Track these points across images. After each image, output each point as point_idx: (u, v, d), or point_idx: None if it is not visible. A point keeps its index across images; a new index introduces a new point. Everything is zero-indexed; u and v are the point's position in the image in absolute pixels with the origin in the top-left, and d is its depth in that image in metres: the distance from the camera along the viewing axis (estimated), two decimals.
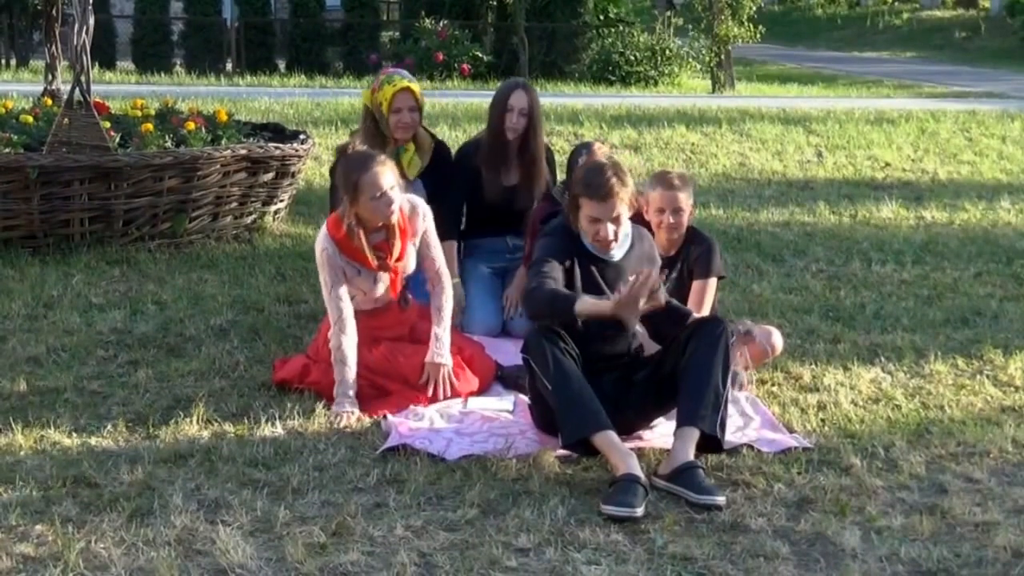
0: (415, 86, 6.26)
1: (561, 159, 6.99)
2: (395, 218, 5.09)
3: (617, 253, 4.62)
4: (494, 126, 6.21)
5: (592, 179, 4.52)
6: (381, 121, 6.14)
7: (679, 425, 4.30)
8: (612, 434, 4.25)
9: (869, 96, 19.36)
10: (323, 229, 5.14)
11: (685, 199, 5.40)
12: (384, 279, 5.17)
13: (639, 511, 3.96)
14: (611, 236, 4.52)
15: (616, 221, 4.53)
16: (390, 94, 6.16)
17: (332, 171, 6.47)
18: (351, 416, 4.83)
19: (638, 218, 5.17)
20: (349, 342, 4.99)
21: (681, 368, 4.37)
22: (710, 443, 4.33)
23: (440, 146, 6.58)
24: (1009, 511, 4.12)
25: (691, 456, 4.20)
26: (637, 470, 4.12)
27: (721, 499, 4.07)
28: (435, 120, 12.40)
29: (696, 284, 5.45)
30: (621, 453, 4.20)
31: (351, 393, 4.93)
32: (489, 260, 6.30)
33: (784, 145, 12.32)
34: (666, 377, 4.48)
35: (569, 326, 4.43)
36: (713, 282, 5.47)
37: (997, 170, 11.61)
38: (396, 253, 5.16)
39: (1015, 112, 14.90)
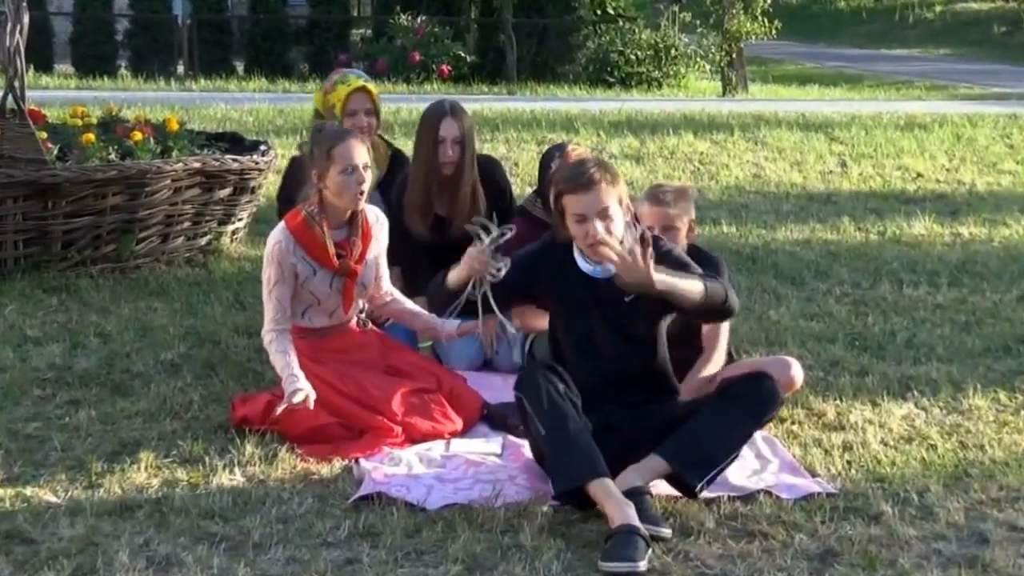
0: (372, 87, 6.30)
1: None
2: (363, 204, 5.17)
3: (594, 269, 4.63)
4: (426, 160, 6.13)
5: (572, 171, 4.60)
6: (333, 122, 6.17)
7: (653, 451, 4.34)
8: (608, 482, 4.26)
9: (898, 99, 19.46)
10: (279, 223, 5.26)
11: (678, 215, 5.45)
12: (339, 286, 5.23)
13: (642, 565, 3.97)
14: (601, 233, 4.47)
15: (604, 216, 4.51)
16: (344, 94, 6.20)
17: (286, 177, 6.51)
18: (307, 394, 4.88)
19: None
20: (286, 338, 5.10)
21: (708, 402, 4.39)
22: (686, 487, 4.38)
23: (397, 156, 6.63)
24: None
25: (639, 482, 4.25)
26: (636, 520, 4.12)
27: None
28: (412, 128, 12.37)
29: None
30: (618, 502, 4.20)
31: (299, 373, 4.98)
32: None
33: (804, 154, 12.36)
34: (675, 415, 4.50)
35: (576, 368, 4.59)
36: None
37: None
38: (357, 254, 5.20)
39: None
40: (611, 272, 4.50)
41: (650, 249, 4.28)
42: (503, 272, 4.69)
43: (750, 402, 4.46)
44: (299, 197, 5.35)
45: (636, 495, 4.21)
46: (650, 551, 4.06)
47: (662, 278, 4.33)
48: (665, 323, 4.73)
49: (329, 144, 5.11)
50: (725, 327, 5.50)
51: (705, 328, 5.45)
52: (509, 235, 4.72)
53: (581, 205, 4.52)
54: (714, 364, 5.46)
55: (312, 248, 5.17)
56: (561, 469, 4.34)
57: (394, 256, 5.64)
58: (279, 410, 4.91)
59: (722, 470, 4.39)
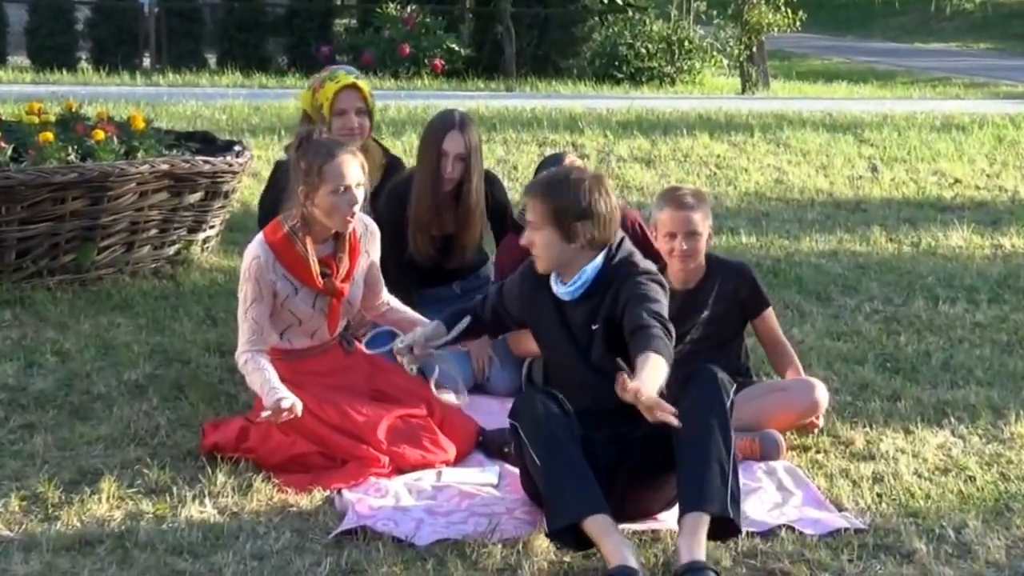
0: (363, 84, 6.31)
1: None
2: (351, 227, 5.19)
3: (562, 290, 4.71)
4: (429, 175, 6.21)
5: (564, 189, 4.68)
6: (323, 128, 6.17)
7: (682, 512, 4.29)
8: (606, 519, 4.26)
9: (934, 97, 19.51)
10: (257, 236, 5.24)
11: (701, 220, 5.48)
12: (322, 306, 5.25)
13: None
14: (524, 242, 4.72)
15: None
16: (332, 92, 6.20)
17: (270, 182, 6.51)
18: (293, 402, 4.90)
19: (645, 248, 5.23)
20: (264, 356, 5.11)
21: (674, 437, 4.37)
22: (725, 526, 4.32)
23: (393, 162, 6.64)
24: None
25: (699, 553, 4.16)
26: (632, 561, 4.13)
27: None
28: (401, 127, 12.47)
29: (760, 324, 5.75)
30: (614, 541, 4.21)
31: (281, 386, 4.99)
32: (439, 309, 6.34)
33: (830, 157, 12.39)
34: (664, 438, 4.47)
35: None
36: (772, 311, 5.80)
37: None
38: (344, 272, 5.22)
39: None
40: (576, 295, 4.66)
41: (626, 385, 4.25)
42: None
43: (707, 403, 4.42)
44: (282, 207, 5.35)
45: (697, 571, 4.10)
46: None
47: (650, 394, 4.21)
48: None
49: (320, 162, 5.08)
50: (779, 330, 5.82)
51: (760, 331, 5.76)
52: (465, 323, 4.85)
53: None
54: (797, 363, 5.77)
55: (294, 266, 5.17)
56: (556, 504, 4.34)
57: (382, 270, 5.66)
58: (261, 417, 4.92)
59: (735, 476, 4.36)
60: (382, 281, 5.54)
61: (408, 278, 6.20)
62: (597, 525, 4.25)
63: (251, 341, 5.14)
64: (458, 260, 6.40)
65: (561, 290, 4.71)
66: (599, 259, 4.66)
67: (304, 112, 6.38)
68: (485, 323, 5.11)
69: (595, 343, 4.68)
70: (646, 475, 4.58)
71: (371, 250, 5.43)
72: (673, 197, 5.55)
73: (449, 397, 4.99)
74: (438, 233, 6.30)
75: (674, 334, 4.49)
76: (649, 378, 4.21)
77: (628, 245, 4.77)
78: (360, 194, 5.14)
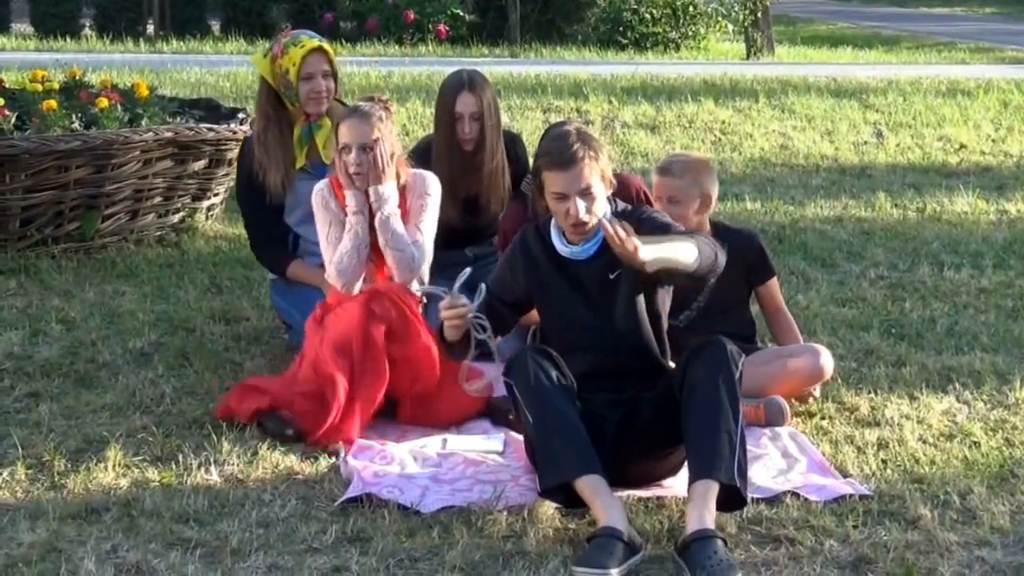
0: (328, 47, 6.28)
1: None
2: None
3: (574, 250, 4.67)
4: (446, 137, 6.29)
5: (554, 144, 4.63)
6: (287, 93, 6.14)
7: (692, 480, 4.29)
8: (598, 479, 4.28)
9: (940, 62, 19.44)
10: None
11: (683, 188, 5.50)
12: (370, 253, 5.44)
13: (613, 573, 4.00)
14: (582, 213, 4.54)
15: (586, 195, 4.55)
16: (299, 57, 6.16)
17: (237, 175, 6.49)
18: None
19: None
20: None
21: (683, 407, 4.39)
22: (732, 497, 4.31)
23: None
24: None
25: (709, 521, 4.16)
26: (619, 523, 4.16)
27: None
28: (406, 94, 12.44)
29: (763, 292, 5.79)
30: (604, 501, 4.24)
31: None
32: (449, 274, 6.33)
33: (835, 123, 12.36)
34: (673, 405, 4.48)
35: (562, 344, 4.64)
36: (776, 280, 5.82)
37: None
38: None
39: None
40: (591, 252, 4.62)
41: (625, 227, 4.27)
42: (486, 323, 4.66)
43: (714, 372, 4.40)
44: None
45: (704, 539, 4.08)
46: (636, 557, 4.10)
47: (654, 256, 4.29)
48: (658, 296, 4.73)
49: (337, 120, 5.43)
50: (780, 298, 5.84)
51: (762, 297, 5.78)
52: (467, 273, 4.70)
53: (562, 183, 4.55)
54: (796, 331, 5.81)
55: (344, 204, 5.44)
56: (548, 462, 4.37)
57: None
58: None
59: (742, 448, 4.35)
60: (418, 238, 5.53)
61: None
62: (588, 485, 4.28)
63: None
64: (487, 219, 6.45)
65: (573, 250, 4.67)
66: (608, 212, 4.66)
67: (262, 79, 6.28)
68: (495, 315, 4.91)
69: (619, 294, 4.66)
70: (653, 440, 4.58)
71: (417, 203, 5.53)
72: (662, 164, 5.70)
73: (477, 386, 4.90)
74: (464, 195, 6.31)
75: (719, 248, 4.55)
76: (655, 244, 4.31)
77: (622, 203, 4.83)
78: (363, 156, 5.32)
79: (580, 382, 4.57)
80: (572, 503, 4.38)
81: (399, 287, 5.36)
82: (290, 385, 5.24)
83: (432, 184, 5.60)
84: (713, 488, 4.22)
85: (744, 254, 5.65)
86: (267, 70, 6.18)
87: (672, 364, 4.74)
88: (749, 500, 4.39)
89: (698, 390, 4.34)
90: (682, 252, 4.38)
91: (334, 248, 5.41)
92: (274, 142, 6.07)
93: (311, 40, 6.19)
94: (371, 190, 5.36)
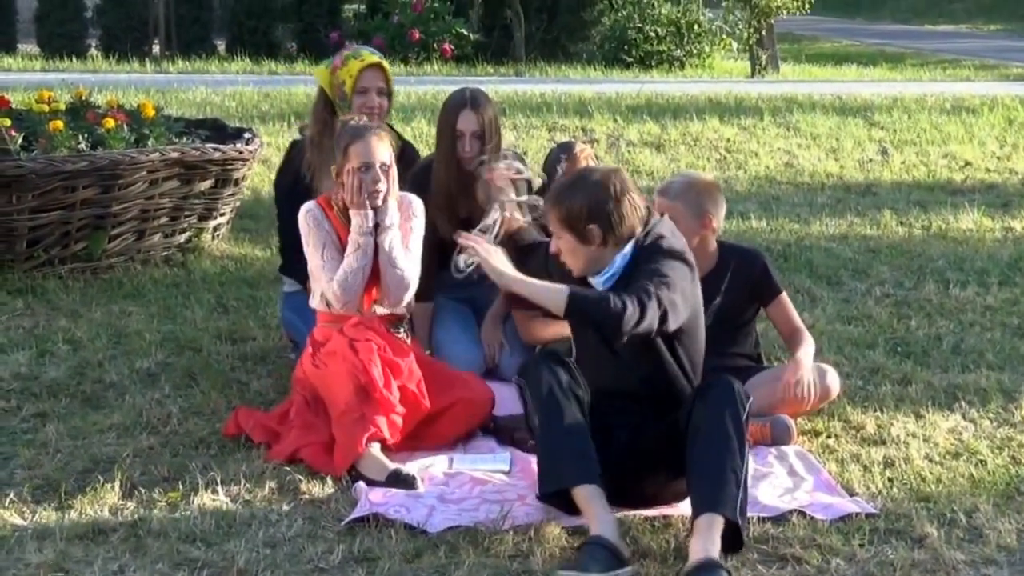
0: (386, 64, 6.33)
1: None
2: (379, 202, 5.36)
3: (596, 280, 4.66)
4: (447, 155, 6.27)
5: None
6: (341, 104, 6.20)
7: (696, 514, 4.27)
8: (596, 489, 4.31)
9: (944, 79, 19.44)
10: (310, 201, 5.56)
11: (672, 208, 5.46)
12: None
13: None
14: (552, 250, 4.69)
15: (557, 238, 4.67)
16: (356, 70, 6.22)
17: (284, 164, 6.52)
18: None
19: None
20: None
21: (688, 444, 4.39)
22: (731, 539, 4.27)
23: (408, 149, 6.65)
24: None
25: (714, 552, 4.14)
26: (610, 533, 4.19)
27: None
28: (410, 113, 12.46)
29: (773, 311, 5.70)
30: (598, 512, 4.26)
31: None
32: (450, 291, 6.34)
33: (840, 141, 12.37)
34: (680, 440, 4.47)
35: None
36: (786, 296, 5.73)
37: None
38: None
39: None
40: (611, 284, 4.60)
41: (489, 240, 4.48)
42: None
43: (721, 411, 4.39)
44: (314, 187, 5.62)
45: (709, 568, 4.08)
46: (624, 570, 4.11)
47: (514, 278, 4.50)
48: (680, 336, 4.67)
49: (346, 141, 5.34)
50: (791, 307, 5.72)
51: (774, 316, 5.69)
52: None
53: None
54: (812, 347, 5.63)
55: (337, 228, 5.43)
56: (549, 468, 4.40)
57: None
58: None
59: (745, 488, 4.36)
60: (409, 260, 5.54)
61: (431, 264, 6.24)
62: (585, 494, 4.31)
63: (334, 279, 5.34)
64: None
65: (595, 280, 4.68)
66: (628, 248, 4.62)
67: (320, 89, 6.38)
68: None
69: None
70: (658, 466, 4.57)
71: (405, 225, 5.51)
72: (661, 184, 5.77)
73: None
74: (463, 213, 6.30)
75: (656, 296, 4.41)
76: (541, 285, 4.48)
77: (659, 227, 4.67)
78: (382, 173, 5.33)
79: (595, 396, 4.58)
80: (572, 510, 4.40)
81: (380, 320, 5.38)
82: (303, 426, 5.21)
83: (418, 206, 5.61)
84: (718, 522, 4.21)
85: (747, 273, 5.65)
86: (326, 80, 6.31)
87: None
88: (747, 536, 4.34)
89: (704, 429, 4.35)
90: (546, 294, 4.46)
91: (332, 268, 5.37)
92: (329, 148, 6.09)
93: (371, 56, 6.29)
94: (383, 211, 5.36)
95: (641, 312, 4.36)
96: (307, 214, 5.44)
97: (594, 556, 4.11)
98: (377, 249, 5.35)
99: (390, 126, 6.52)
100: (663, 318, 4.41)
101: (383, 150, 5.36)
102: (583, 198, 4.58)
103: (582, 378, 4.56)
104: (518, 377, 4.62)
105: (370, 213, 5.34)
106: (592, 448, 4.39)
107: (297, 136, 6.71)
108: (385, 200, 5.36)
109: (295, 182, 6.21)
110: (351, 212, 5.36)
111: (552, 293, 4.45)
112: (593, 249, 4.61)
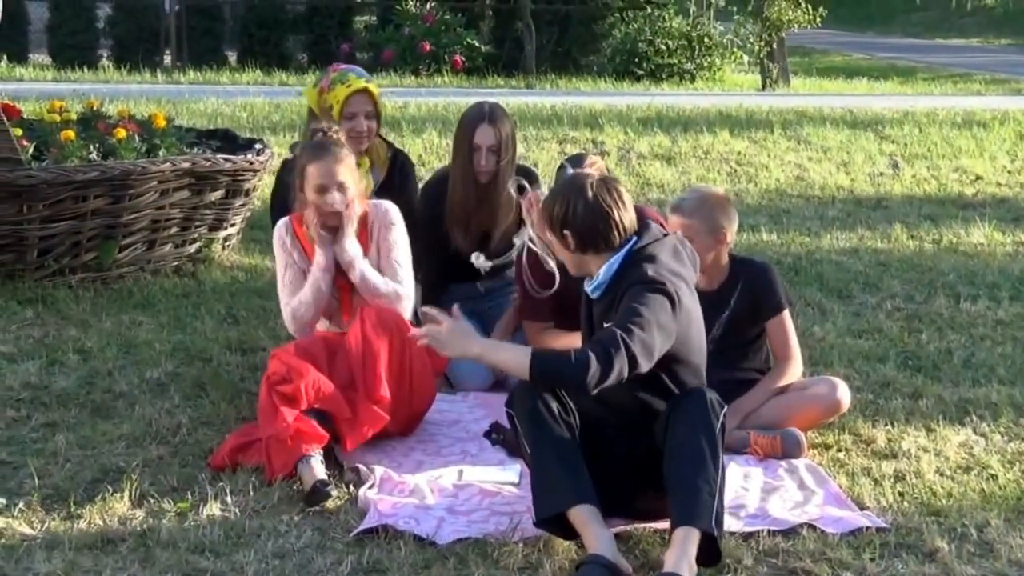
0: (373, 88, 6.35)
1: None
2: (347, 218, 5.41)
3: (588, 287, 4.69)
4: (463, 168, 6.32)
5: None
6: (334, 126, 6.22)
7: (672, 527, 4.27)
8: (591, 509, 4.31)
9: (955, 93, 19.45)
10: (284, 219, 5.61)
11: (695, 225, 5.47)
12: (335, 292, 5.48)
13: None
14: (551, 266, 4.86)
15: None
16: (343, 96, 6.26)
17: (277, 183, 6.55)
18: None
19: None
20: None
21: (664, 458, 4.38)
22: (707, 552, 4.25)
23: (398, 157, 6.68)
24: None
25: (684, 568, 4.13)
26: (607, 552, 4.19)
27: None
28: (422, 125, 12.47)
29: (770, 327, 5.63)
30: (595, 531, 4.26)
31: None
32: (460, 304, 6.33)
33: (851, 154, 12.36)
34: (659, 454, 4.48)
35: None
36: (787, 316, 5.65)
37: None
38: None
39: None
40: (599, 293, 4.61)
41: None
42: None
43: (695, 424, 4.38)
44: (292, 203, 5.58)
45: None
46: None
47: (478, 351, 4.52)
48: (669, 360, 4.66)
49: (304, 162, 5.41)
50: (790, 326, 5.64)
51: (769, 333, 5.61)
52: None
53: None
54: (789, 376, 5.58)
55: (306, 245, 5.46)
56: (544, 493, 4.39)
57: (416, 267, 5.70)
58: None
59: (720, 499, 4.34)
60: (398, 272, 5.55)
61: (442, 276, 6.28)
62: (581, 515, 4.31)
63: (297, 300, 5.43)
64: (498, 252, 6.46)
65: (588, 288, 4.70)
66: (615, 259, 4.58)
67: (309, 109, 6.43)
68: None
69: None
70: (653, 482, 4.54)
71: (385, 236, 5.53)
72: (673, 200, 5.79)
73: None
74: (478, 228, 6.33)
75: (624, 343, 4.33)
76: (506, 350, 4.57)
77: (652, 247, 4.60)
78: (340, 196, 5.35)
79: (587, 418, 4.55)
80: (569, 535, 4.39)
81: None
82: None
83: (394, 213, 5.62)
84: (693, 535, 4.19)
85: (751, 285, 5.62)
86: (314, 101, 6.36)
87: None
88: (723, 553, 4.31)
89: (676, 443, 4.35)
90: (512, 362, 4.45)
91: (291, 292, 5.48)
92: None
93: (358, 80, 6.31)
94: (338, 251, 5.38)
95: (606, 365, 4.30)
96: (276, 233, 5.56)
97: (594, 575, 4.12)
98: (352, 283, 5.42)
99: (382, 138, 6.55)
100: (632, 364, 4.34)
101: (342, 171, 5.37)
102: (562, 204, 4.60)
103: (571, 403, 4.53)
104: (507, 407, 4.60)
105: (330, 252, 5.37)
106: (584, 468, 4.39)
107: (288, 155, 6.74)
108: (342, 231, 5.38)
109: (286, 201, 6.22)
110: (315, 247, 5.41)
111: (517, 357, 4.42)
112: (572, 255, 4.64)
